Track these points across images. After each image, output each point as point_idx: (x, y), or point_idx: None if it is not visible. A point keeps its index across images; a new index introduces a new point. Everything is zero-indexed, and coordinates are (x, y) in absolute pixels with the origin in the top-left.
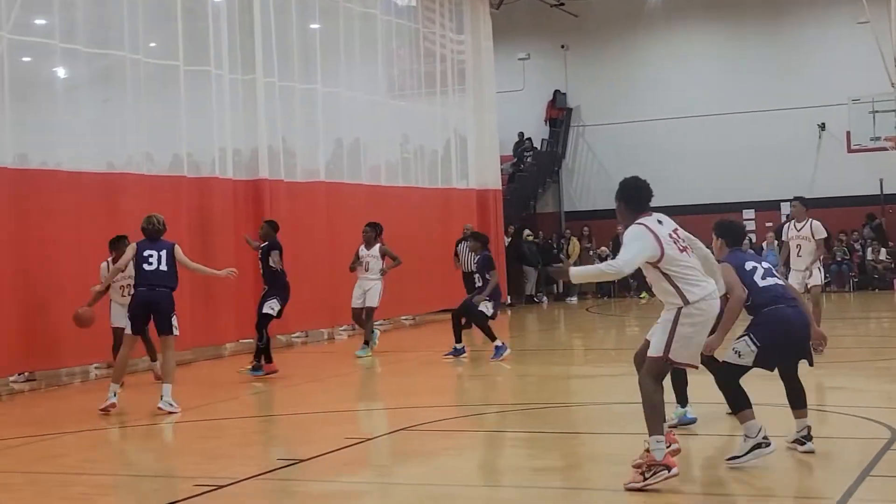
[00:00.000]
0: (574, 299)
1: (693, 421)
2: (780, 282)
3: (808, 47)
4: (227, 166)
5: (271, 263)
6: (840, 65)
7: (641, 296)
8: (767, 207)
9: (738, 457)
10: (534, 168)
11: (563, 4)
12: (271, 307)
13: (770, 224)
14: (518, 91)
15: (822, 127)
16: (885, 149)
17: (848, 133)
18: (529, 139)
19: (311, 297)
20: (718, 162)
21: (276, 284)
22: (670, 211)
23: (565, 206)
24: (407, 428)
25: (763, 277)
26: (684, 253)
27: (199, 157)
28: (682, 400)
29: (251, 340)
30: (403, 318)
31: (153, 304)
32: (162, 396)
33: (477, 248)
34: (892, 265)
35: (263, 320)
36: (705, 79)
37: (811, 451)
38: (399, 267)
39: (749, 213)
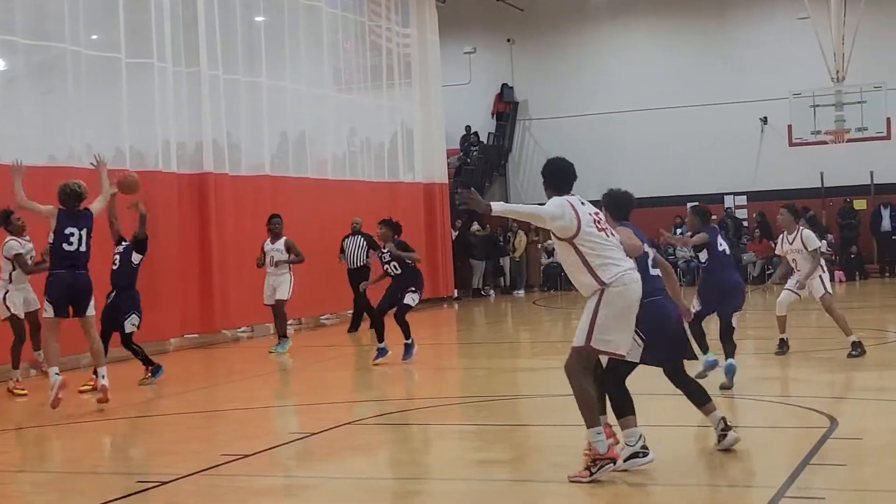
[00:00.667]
0: (521, 292)
1: (715, 363)
2: (654, 270)
3: (751, 42)
4: (170, 160)
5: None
6: (782, 60)
7: None
8: (711, 201)
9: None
10: (480, 161)
11: None
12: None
13: (714, 217)
14: (464, 84)
15: (765, 121)
16: (825, 143)
17: (789, 127)
18: (476, 133)
19: (258, 292)
20: (663, 156)
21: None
22: None
23: (512, 200)
24: (351, 422)
25: (654, 266)
26: (602, 233)
27: (142, 150)
28: (704, 347)
29: (196, 336)
30: (349, 311)
31: (79, 290)
32: (103, 376)
33: (388, 235)
34: (833, 257)
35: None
36: (651, 73)
37: (738, 440)
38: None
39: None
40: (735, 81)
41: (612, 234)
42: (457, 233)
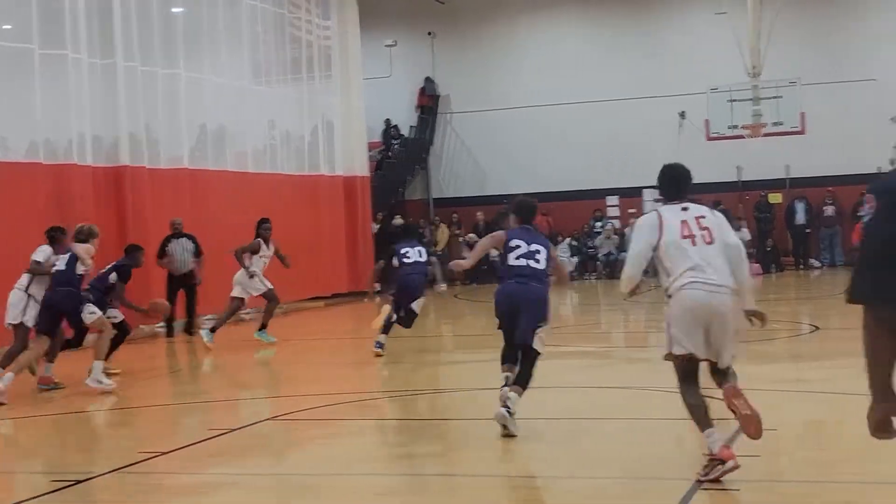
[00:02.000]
0: (443, 286)
1: None
2: (535, 265)
3: (670, 37)
4: (86, 153)
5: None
6: (699, 54)
7: None
8: (631, 194)
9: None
10: (402, 155)
11: None
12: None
13: (633, 210)
14: (385, 78)
15: (683, 115)
16: (742, 137)
17: (707, 121)
18: (396, 126)
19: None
20: (584, 149)
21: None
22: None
23: (434, 193)
24: (274, 417)
25: (517, 258)
26: (687, 240)
27: (56, 143)
28: None
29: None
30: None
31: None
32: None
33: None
34: (749, 250)
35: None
36: (572, 66)
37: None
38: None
39: (613, 200)
40: (654, 75)
41: (697, 243)
42: (378, 226)
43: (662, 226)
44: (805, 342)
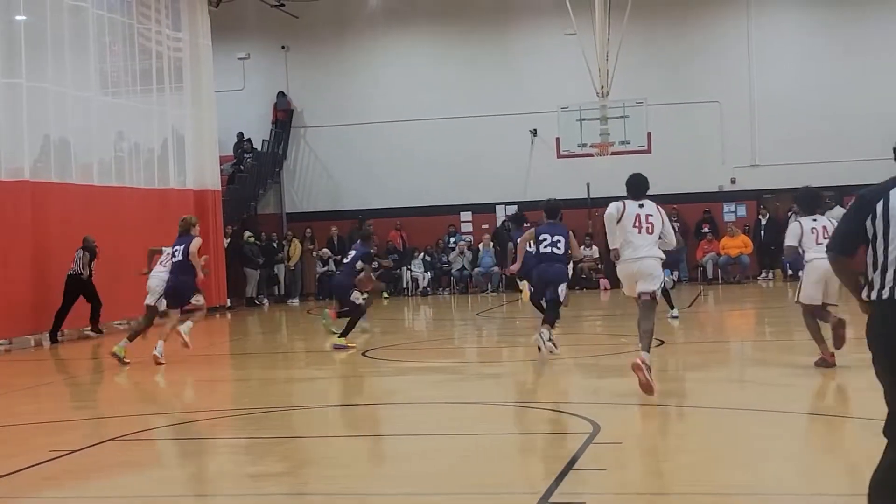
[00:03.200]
0: (296, 301)
1: None
2: (557, 251)
3: (524, 56)
4: None
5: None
6: (551, 74)
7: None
8: (484, 210)
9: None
10: (255, 169)
11: (283, 5)
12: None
13: (486, 226)
14: (238, 91)
15: (534, 133)
16: (591, 155)
17: (557, 139)
18: (249, 140)
19: (17, 302)
20: (438, 165)
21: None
22: (394, 213)
23: (287, 208)
24: (116, 438)
25: (546, 247)
26: (635, 228)
27: None
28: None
29: None
30: (116, 322)
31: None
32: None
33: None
34: (598, 265)
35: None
36: (426, 83)
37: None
38: (113, 269)
39: (466, 216)
40: (507, 94)
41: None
42: (228, 240)
43: (624, 211)
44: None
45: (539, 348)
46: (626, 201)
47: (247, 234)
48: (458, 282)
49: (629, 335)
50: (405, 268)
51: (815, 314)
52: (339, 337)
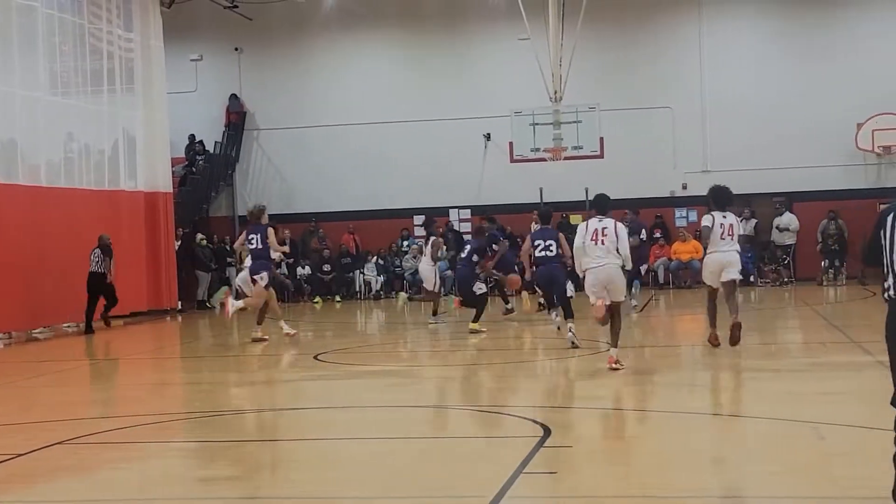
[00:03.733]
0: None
1: None
2: (550, 253)
3: (477, 60)
4: None
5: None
6: (505, 78)
7: (315, 300)
8: (438, 213)
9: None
10: (207, 171)
11: (236, 7)
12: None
13: (441, 230)
14: (191, 92)
15: (488, 137)
16: (544, 160)
17: (511, 144)
18: (201, 141)
19: None
20: (392, 168)
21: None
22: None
23: (239, 210)
24: (64, 441)
25: (540, 250)
26: (592, 241)
27: None
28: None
29: None
30: (66, 325)
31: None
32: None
33: None
34: None
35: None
36: (380, 87)
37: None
38: (58, 271)
39: (420, 220)
40: (462, 97)
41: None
42: (180, 242)
43: (587, 228)
44: (600, 360)
45: (573, 343)
46: (588, 220)
47: (199, 236)
48: (410, 285)
49: (584, 339)
50: (358, 271)
51: (715, 300)
52: (472, 322)
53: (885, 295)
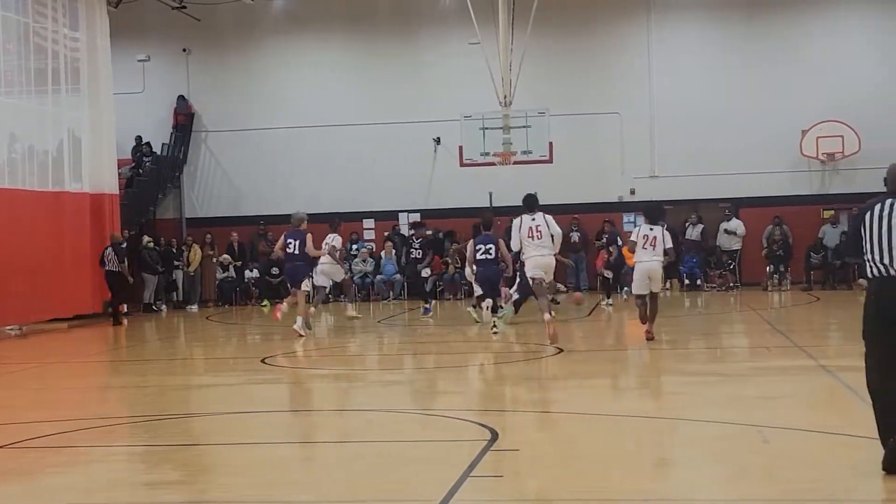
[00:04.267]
0: (194, 308)
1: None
2: (489, 256)
3: (428, 63)
4: None
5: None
6: (454, 82)
7: (263, 304)
8: (386, 217)
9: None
10: (154, 173)
11: (184, 7)
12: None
13: (388, 233)
14: (138, 93)
15: (438, 141)
16: (493, 164)
17: (460, 148)
18: (148, 143)
19: None
20: (342, 171)
21: None
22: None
23: (187, 213)
24: (5, 446)
25: (481, 254)
26: (530, 238)
27: None
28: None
29: None
30: (9, 328)
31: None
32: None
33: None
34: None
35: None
36: (330, 89)
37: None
38: (4, 273)
39: (369, 223)
40: (412, 101)
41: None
42: (125, 245)
43: (521, 225)
44: (549, 364)
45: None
46: (522, 217)
47: (145, 238)
48: (360, 289)
49: (527, 343)
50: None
51: (642, 302)
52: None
53: (870, 273)
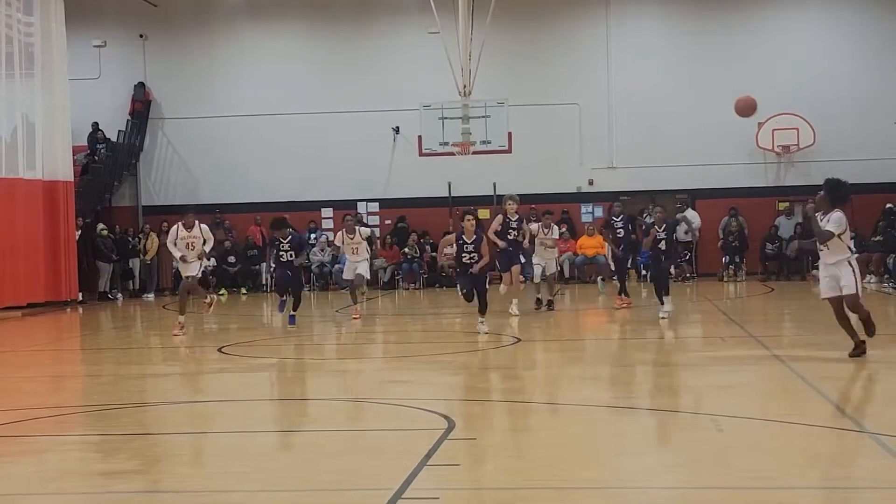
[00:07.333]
0: (151, 296)
1: None
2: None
3: (387, 52)
4: None
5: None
6: (414, 71)
7: (221, 293)
8: (345, 206)
9: None
10: (110, 160)
11: None
12: None
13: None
14: (94, 79)
15: (397, 130)
16: (453, 154)
17: (419, 137)
18: (103, 130)
19: None
20: (301, 160)
21: None
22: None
23: (143, 200)
24: None
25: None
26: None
27: None
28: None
29: None
30: None
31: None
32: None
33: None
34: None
35: None
36: (288, 77)
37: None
38: None
39: (328, 212)
40: (371, 90)
41: None
42: (80, 232)
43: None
44: (505, 353)
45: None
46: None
47: (100, 226)
48: (318, 278)
49: (488, 332)
50: (264, 263)
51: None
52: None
53: None
